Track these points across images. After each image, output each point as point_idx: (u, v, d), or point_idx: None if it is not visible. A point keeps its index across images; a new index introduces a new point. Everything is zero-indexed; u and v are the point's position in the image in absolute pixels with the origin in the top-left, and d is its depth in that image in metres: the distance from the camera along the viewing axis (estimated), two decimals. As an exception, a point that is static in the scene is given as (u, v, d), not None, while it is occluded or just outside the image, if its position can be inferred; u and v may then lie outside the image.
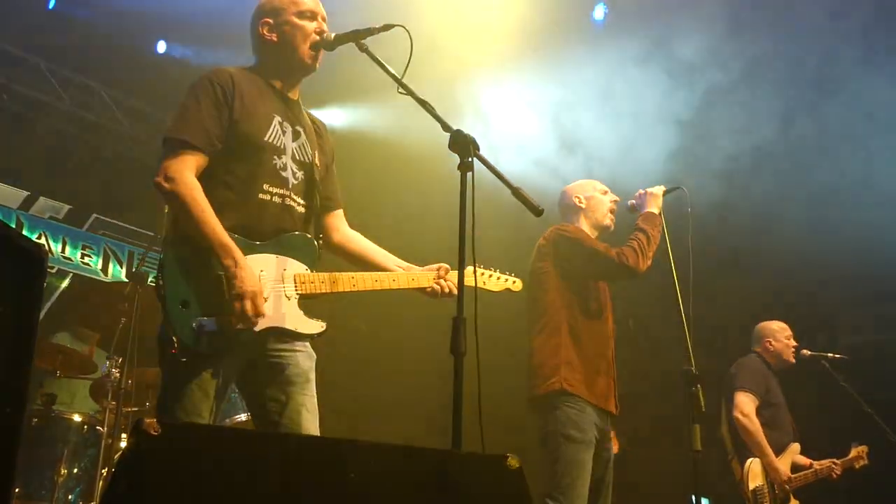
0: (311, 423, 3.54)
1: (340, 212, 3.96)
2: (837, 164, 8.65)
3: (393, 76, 3.47)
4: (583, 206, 5.29)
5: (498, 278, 4.10)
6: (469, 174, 3.18)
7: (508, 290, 4.12)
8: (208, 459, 2.18)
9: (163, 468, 2.12)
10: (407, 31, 3.53)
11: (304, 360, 3.59)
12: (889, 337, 9.08)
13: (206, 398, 3.31)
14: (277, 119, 3.62)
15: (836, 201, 8.68)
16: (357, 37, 3.58)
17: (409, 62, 3.51)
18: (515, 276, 4.17)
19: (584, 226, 5.25)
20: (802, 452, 6.80)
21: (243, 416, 5.83)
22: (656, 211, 5.12)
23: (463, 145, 3.22)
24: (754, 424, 6.57)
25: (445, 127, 3.32)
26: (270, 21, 3.70)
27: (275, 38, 3.69)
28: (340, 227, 3.95)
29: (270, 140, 3.56)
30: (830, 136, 8.66)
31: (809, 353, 7.06)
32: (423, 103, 3.41)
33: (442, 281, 3.83)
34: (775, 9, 7.82)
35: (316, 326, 3.57)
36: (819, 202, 8.78)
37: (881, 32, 7.69)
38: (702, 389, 4.36)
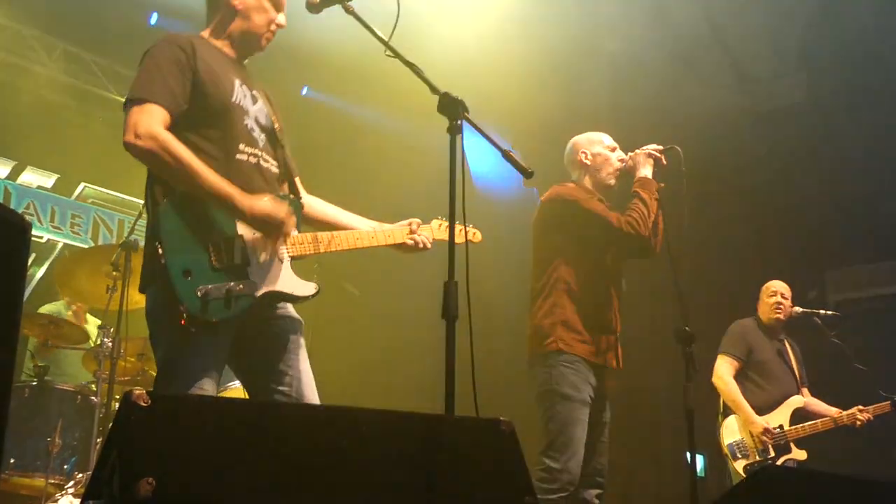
0: (308, 389, 3.52)
1: (297, 179, 3.89)
2: (828, 120, 8.64)
3: (380, 38, 3.44)
4: (588, 162, 5.23)
5: (460, 231, 4.11)
6: (458, 137, 3.15)
7: (470, 241, 4.11)
8: (199, 429, 2.16)
9: (153, 439, 2.10)
10: (394, -8, 3.49)
11: (296, 325, 3.58)
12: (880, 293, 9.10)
13: (206, 369, 3.28)
14: (237, 82, 3.57)
15: (828, 161, 8.69)
16: (343, -1, 3.53)
17: (395, 24, 3.47)
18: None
19: (588, 182, 5.21)
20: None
21: (236, 384, 5.83)
22: (650, 174, 5.08)
23: (452, 108, 3.20)
24: (726, 384, 6.78)
25: (434, 90, 3.29)
26: None
27: (239, 6, 3.63)
28: (301, 194, 3.89)
29: (236, 101, 3.52)
30: (821, 96, 8.64)
31: (801, 310, 7.07)
32: (411, 66, 3.38)
33: (416, 235, 3.90)
34: None
35: (310, 288, 3.56)
36: (811, 161, 8.78)
37: None
38: (696, 348, 4.37)
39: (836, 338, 6.93)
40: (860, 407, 6.73)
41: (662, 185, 5.07)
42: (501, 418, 2.50)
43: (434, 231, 4.04)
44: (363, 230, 3.84)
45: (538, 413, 4.81)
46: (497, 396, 4.30)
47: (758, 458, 6.55)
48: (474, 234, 4.19)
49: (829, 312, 7.09)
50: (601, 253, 5.04)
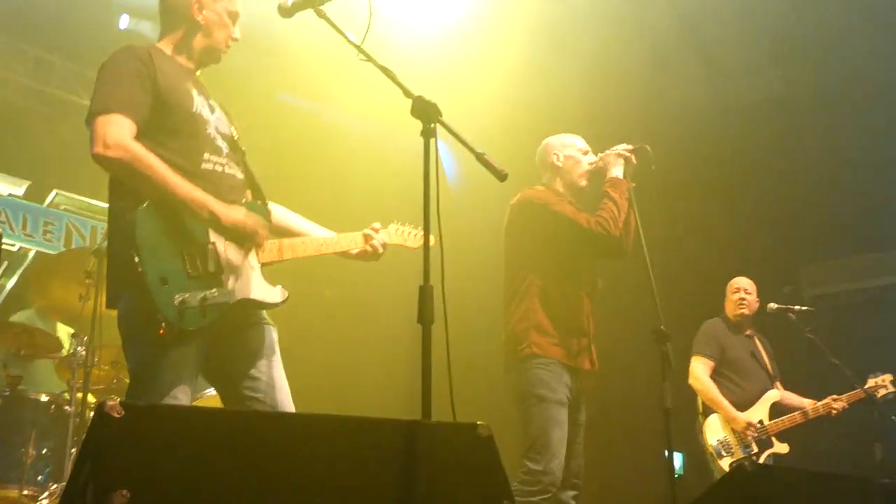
0: (283, 396, 3.52)
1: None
2: (800, 117, 8.69)
3: (352, 43, 3.42)
4: (559, 164, 5.24)
5: (414, 235, 4.13)
6: (432, 140, 3.15)
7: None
8: (173, 440, 2.15)
9: (127, 451, 2.08)
10: (366, -5, 3.48)
11: (269, 332, 3.58)
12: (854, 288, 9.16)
13: (181, 378, 3.26)
14: (195, 91, 3.55)
15: (801, 155, 8.74)
16: (314, 3, 3.52)
17: (368, 28, 3.46)
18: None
19: (559, 185, 5.21)
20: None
21: (211, 391, 5.79)
22: (621, 174, 5.08)
23: (425, 111, 3.18)
24: (703, 385, 6.82)
25: (407, 93, 3.27)
26: (203, 1, 3.62)
27: (201, 21, 3.61)
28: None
29: (197, 111, 3.51)
30: (795, 92, 8.69)
31: (776, 306, 7.11)
32: (384, 69, 3.37)
33: (373, 241, 3.91)
34: None
35: (281, 294, 3.55)
36: (783, 156, 8.83)
37: None
38: (671, 347, 4.38)
39: (811, 333, 6.97)
40: (834, 396, 6.81)
41: (633, 184, 5.08)
42: (479, 423, 2.50)
43: (391, 236, 4.05)
44: (326, 238, 3.87)
45: (517, 417, 4.82)
46: (474, 400, 4.29)
47: (742, 454, 6.60)
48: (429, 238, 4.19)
49: (804, 308, 7.13)
50: (572, 255, 5.05)
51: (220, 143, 3.57)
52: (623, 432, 8.90)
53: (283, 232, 3.87)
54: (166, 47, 3.64)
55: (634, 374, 7.89)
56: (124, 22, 8.52)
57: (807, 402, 6.86)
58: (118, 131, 3.25)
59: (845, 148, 8.51)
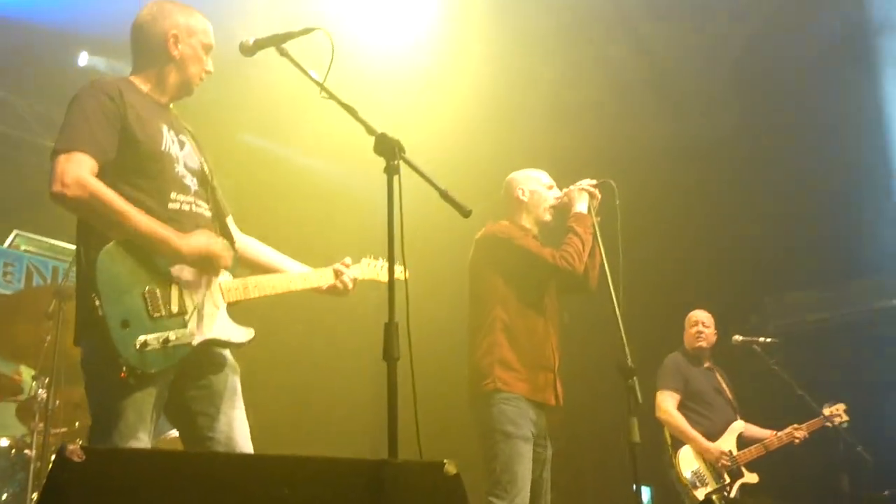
0: (242, 437, 3.49)
1: (231, 218, 3.87)
2: (761, 151, 8.79)
3: (315, 81, 3.43)
4: (525, 199, 5.27)
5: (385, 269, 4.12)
6: (395, 177, 3.14)
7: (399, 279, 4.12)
8: (135, 483, 2.11)
9: (88, 495, 2.05)
10: (328, 34, 3.49)
11: (231, 371, 3.55)
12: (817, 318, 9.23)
13: (143, 420, 3.22)
14: (165, 128, 3.53)
15: (763, 188, 8.83)
16: (277, 41, 3.53)
17: (330, 65, 3.47)
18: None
19: (524, 220, 5.24)
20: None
21: (174, 432, 5.72)
22: (585, 209, 5.11)
23: (388, 149, 3.18)
24: (674, 418, 6.86)
25: (370, 130, 3.27)
26: (179, 36, 3.62)
27: (176, 55, 3.61)
28: (234, 234, 3.86)
29: (166, 149, 3.49)
30: (754, 126, 8.79)
31: (741, 338, 7.17)
32: (347, 107, 3.37)
33: (343, 277, 3.91)
34: None
35: (247, 334, 3.54)
36: (745, 189, 8.92)
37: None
38: (637, 381, 4.38)
39: (775, 364, 7.02)
40: (795, 426, 6.90)
41: (598, 218, 5.10)
42: (446, 461, 2.48)
43: (364, 270, 4.04)
44: (297, 273, 3.84)
45: (481, 453, 4.80)
46: (441, 437, 4.26)
47: (715, 484, 6.62)
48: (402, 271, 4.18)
49: (768, 339, 7.19)
50: (537, 290, 5.06)
51: (189, 180, 3.55)
52: (591, 467, 8.89)
53: (254, 265, 3.86)
54: (139, 81, 3.63)
55: (601, 408, 7.90)
56: (83, 59, 8.47)
57: (768, 433, 6.93)
58: (76, 169, 3.22)
59: (806, 181, 8.60)
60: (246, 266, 3.83)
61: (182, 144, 3.61)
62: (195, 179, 3.59)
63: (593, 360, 7.58)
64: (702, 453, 6.72)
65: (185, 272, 3.35)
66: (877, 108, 8.28)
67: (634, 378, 4.35)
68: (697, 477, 6.65)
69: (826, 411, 6.96)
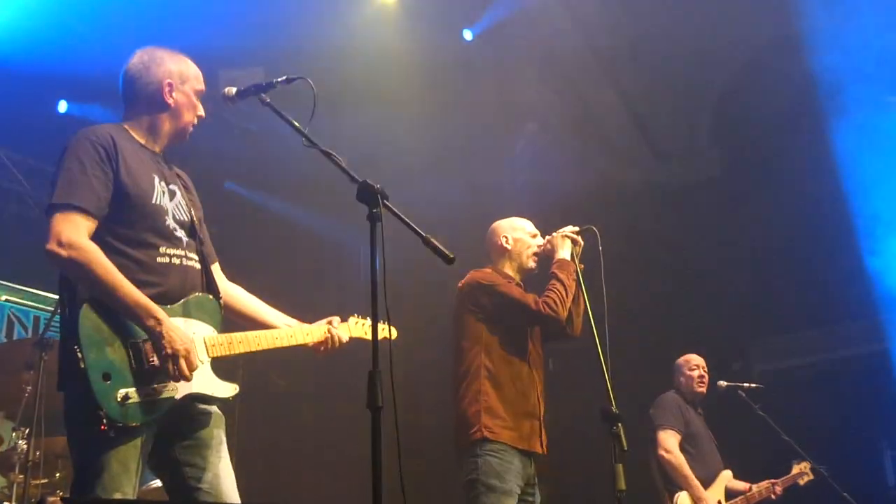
0: (229, 487, 3.45)
1: (217, 265, 3.84)
2: (744, 196, 8.85)
3: (297, 129, 3.43)
4: (509, 247, 5.26)
5: (381, 328, 4.08)
6: (378, 224, 3.14)
7: (386, 338, 4.07)
8: (115, 538, 2.08)
9: (67, 550, 2.01)
10: (310, 83, 3.51)
11: (217, 422, 3.52)
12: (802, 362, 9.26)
13: (127, 472, 3.18)
14: (157, 179, 3.52)
15: (744, 233, 8.87)
16: (259, 91, 3.54)
17: (312, 114, 3.48)
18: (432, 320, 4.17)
19: (508, 267, 5.23)
20: (737, 479, 6.92)
21: (158, 483, 5.65)
22: (568, 255, 5.11)
23: (371, 196, 3.17)
24: (678, 459, 6.65)
25: (352, 178, 3.27)
26: (173, 84, 3.61)
27: (171, 103, 3.60)
28: (220, 282, 3.81)
29: (157, 202, 3.47)
30: (736, 170, 8.86)
31: (726, 384, 7.14)
32: (329, 155, 3.37)
33: (332, 332, 3.87)
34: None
35: (231, 389, 3.50)
36: (727, 233, 8.96)
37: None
38: (623, 427, 4.35)
39: (761, 410, 7.00)
40: (772, 480, 6.89)
41: (582, 266, 5.11)
42: (430, 511, 2.46)
43: (351, 328, 4.02)
44: (283, 330, 3.79)
45: (464, 501, 4.76)
46: (425, 487, 4.23)
47: None
48: (390, 330, 4.15)
49: (753, 385, 7.17)
50: (521, 337, 5.05)
51: (179, 233, 3.53)
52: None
53: (240, 316, 3.83)
54: (133, 130, 3.60)
55: (586, 454, 7.86)
56: (63, 107, 8.48)
57: (746, 485, 6.87)
58: (73, 230, 3.21)
59: (789, 225, 8.66)
60: (231, 316, 3.80)
61: (172, 195, 3.59)
62: (184, 231, 3.57)
63: (579, 406, 7.56)
64: (697, 502, 6.57)
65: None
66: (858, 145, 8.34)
67: (619, 425, 4.34)
68: None
69: (795, 468, 6.94)
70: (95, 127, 3.50)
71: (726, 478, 6.83)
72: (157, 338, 3.22)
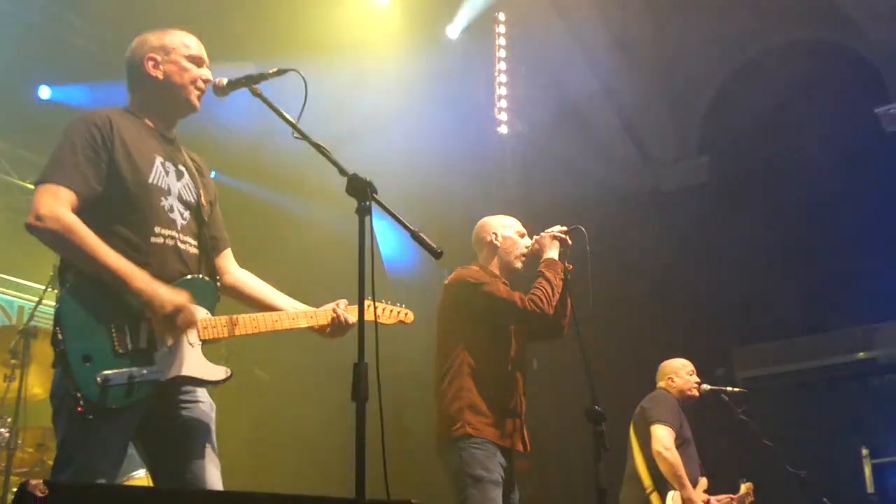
0: (213, 475, 3.44)
1: (229, 251, 3.84)
2: (729, 205, 8.90)
3: (288, 121, 3.44)
4: (497, 243, 5.26)
5: (391, 312, 4.08)
6: (367, 218, 3.15)
7: (401, 322, 4.08)
8: (99, 520, 2.09)
9: (50, 531, 2.02)
10: (301, 75, 3.51)
11: (206, 409, 3.51)
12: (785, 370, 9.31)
13: (107, 457, 3.18)
14: (160, 160, 3.52)
15: (730, 240, 8.92)
16: (250, 81, 3.54)
17: (303, 106, 3.49)
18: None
19: (494, 265, 5.23)
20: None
21: (141, 473, 5.65)
22: (556, 255, 5.13)
23: (360, 189, 3.19)
24: (675, 457, 6.53)
25: (342, 171, 3.28)
26: (157, 58, 3.61)
27: (160, 76, 3.60)
28: (230, 267, 3.83)
29: (155, 181, 3.46)
30: (722, 178, 8.91)
31: (709, 387, 7.14)
32: (319, 147, 3.38)
33: (340, 313, 3.76)
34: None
35: (221, 372, 3.48)
36: (713, 239, 9.01)
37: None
38: (605, 427, 4.38)
39: (743, 415, 7.02)
40: (731, 496, 6.87)
41: (570, 266, 5.13)
42: (413, 501, 2.47)
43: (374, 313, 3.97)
44: (284, 312, 3.73)
45: (454, 497, 4.77)
46: (409, 478, 4.25)
47: None
48: (406, 314, 4.14)
49: (737, 389, 7.18)
50: (505, 335, 5.06)
51: (176, 214, 3.51)
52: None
53: (251, 301, 3.80)
54: (135, 110, 3.62)
55: (569, 453, 7.87)
56: (45, 92, 8.44)
57: (711, 498, 6.79)
58: (53, 202, 3.21)
59: (774, 233, 8.71)
60: (242, 302, 3.80)
61: (179, 175, 3.59)
62: (188, 213, 3.57)
63: (562, 405, 7.57)
64: None
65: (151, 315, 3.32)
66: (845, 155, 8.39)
67: (603, 424, 4.37)
68: None
69: (743, 488, 6.95)
70: (95, 110, 3.51)
71: (703, 486, 6.78)
72: (145, 302, 3.23)
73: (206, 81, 3.66)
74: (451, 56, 8.12)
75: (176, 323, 3.28)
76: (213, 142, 7.89)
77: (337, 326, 3.77)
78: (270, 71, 3.56)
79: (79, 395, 3.07)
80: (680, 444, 6.71)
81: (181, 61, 3.62)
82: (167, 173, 3.53)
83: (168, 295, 3.27)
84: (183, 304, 3.29)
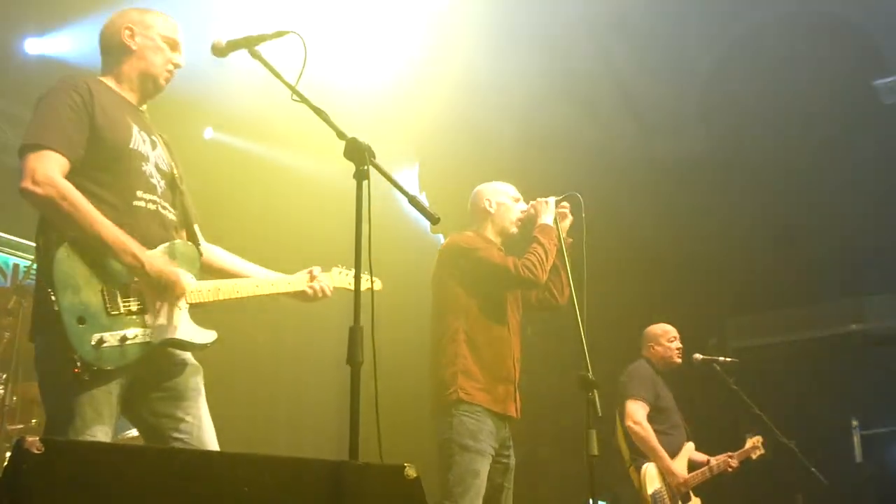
0: (208, 437, 3.48)
1: (197, 226, 3.84)
2: (726, 175, 8.89)
3: (286, 83, 3.42)
4: (492, 210, 5.28)
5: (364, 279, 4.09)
6: (365, 182, 3.15)
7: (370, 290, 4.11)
8: (95, 477, 2.10)
9: (47, 488, 2.03)
10: (300, 37, 3.50)
11: (194, 372, 3.54)
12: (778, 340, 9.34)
13: (100, 417, 3.20)
14: (136, 128, 3.54)
15: (727, 210, 8.92)
16: (249, 43, 3.52)
17: (302, 69, 3.47)
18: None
19: (489, 231, 5.25)
20: (698, 450, 6.94)
21: (134, 432, 5.67)
22: (551, 221, 5.14)
23: (358, 153, 3.18)
24: (646, 431, 6.63)
25: (340, 135, 3.28)
26: (135, 29, 3.64)
27: (133, 47, 3.62)
28: (201, 241, 3.84)
29: (135, 147, 3.49)
30: (722, 146, 8.89)
31: (701, 356, 7.17)
32: (318, 111, 3.37)
33: (315, 283, 3.92)
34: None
35: (209, 336, 3.53)
36: (709, 210, 9.01)
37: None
38: (598, 394, 4.40)
39: (735, 384, 7.06)
40: (730, 453, 6.91)
41: (570, 240, 5.15)
42: (406, 464, 2.49)
43: (334, 279, 4.04)
44: (264, 279, 3.83)
45: (438, 462, 4.81)
46: (403, 442, 4.27)
47: None
48: (375, 282, 4.17)
49: (728, 359, 7.21)
50: (500, 302, 5.08)
51: (156, 180, 3.54)
52: (550, 478, 8.90)
53: (222, 273, 3.83)
54: (108, 79, 3.64)
55: (561, 420, 7.92)
56: (31, 46, 8.33)
57: (706, 457, 6.89)
58: (48, 168, 3.22)
59: (769, 203, 8.71)
60: (212, 275, 3.81)
61: (154, 145, 3.62)
62: (164, 182, 3.59)
63: (555, 372, 7.60)
64: (664, 474, 6.59)
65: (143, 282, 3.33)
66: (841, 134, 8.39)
67: (595, 391, 4.39)
68: (658, 497, 6.52)
69: (749, 442, 7.00)
70: (73, 74, 3.54)
71: (689, 450, 6.84)
72: (138, 272, 3.26)
73: (175, 66, 3.70)
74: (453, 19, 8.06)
75: (170, 292, 3.31)
76: (210, 100, 7.83)
77: (313, 295, 3.93)
78: (270, 32, 3.55)
79: (75, 356, 3.09)
80: (658, 414, 6.78)
81: (157, 40, 3.66)
82: (143, 142, 3.56)
83: (161, 264, 3.32)
84: (176, 274, 3.34)
